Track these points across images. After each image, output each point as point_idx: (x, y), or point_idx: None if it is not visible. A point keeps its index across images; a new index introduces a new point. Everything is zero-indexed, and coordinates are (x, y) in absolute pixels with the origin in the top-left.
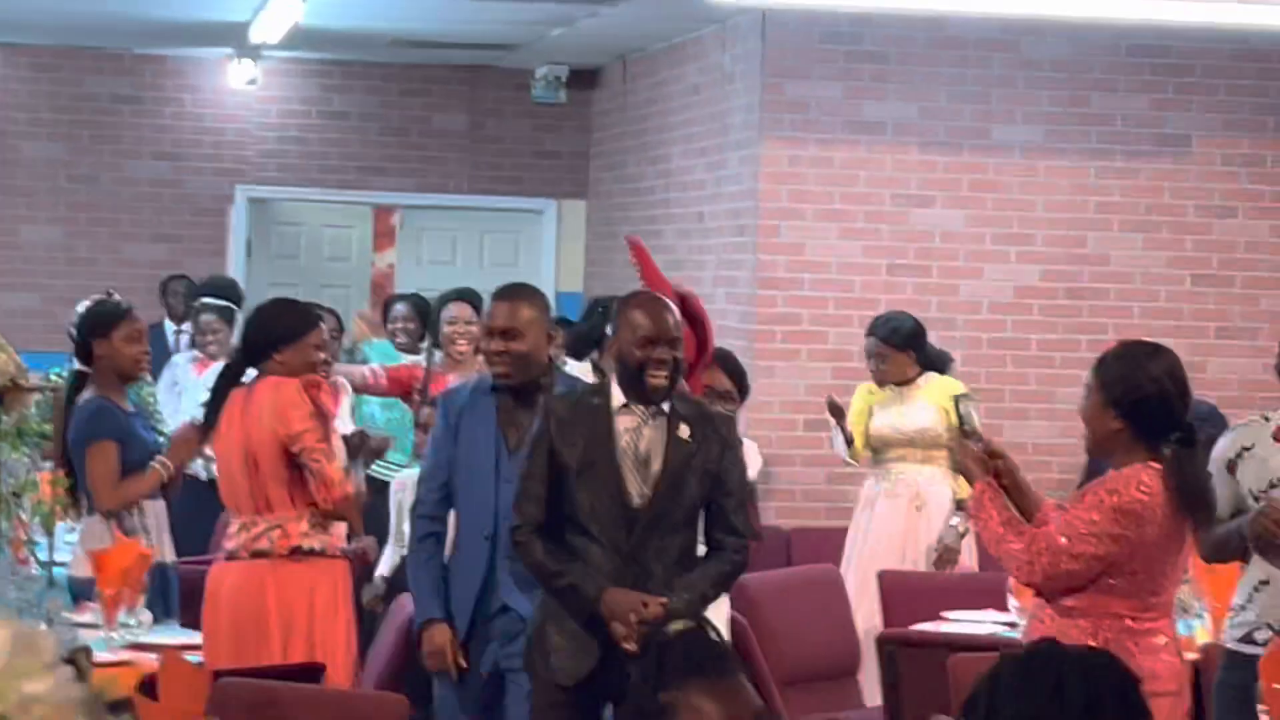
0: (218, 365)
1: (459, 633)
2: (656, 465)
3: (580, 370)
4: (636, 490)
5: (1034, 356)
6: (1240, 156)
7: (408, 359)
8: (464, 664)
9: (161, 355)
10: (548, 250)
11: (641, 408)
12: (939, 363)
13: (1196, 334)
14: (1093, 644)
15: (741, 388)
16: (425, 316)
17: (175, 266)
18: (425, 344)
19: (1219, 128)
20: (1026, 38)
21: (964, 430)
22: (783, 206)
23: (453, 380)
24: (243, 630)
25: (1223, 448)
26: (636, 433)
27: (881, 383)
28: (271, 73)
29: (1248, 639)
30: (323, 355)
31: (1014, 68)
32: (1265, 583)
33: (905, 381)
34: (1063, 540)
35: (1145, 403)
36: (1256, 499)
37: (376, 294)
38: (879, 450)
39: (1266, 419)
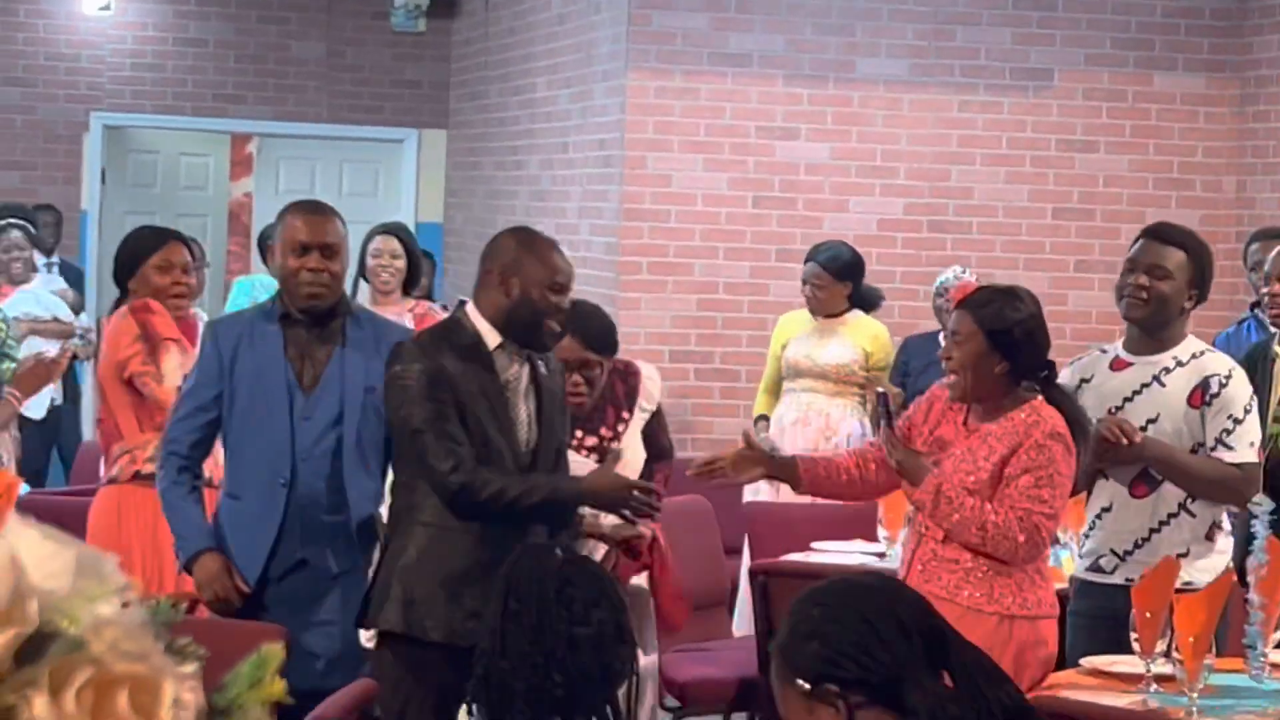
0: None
1: (245, 584)
2: (531, 407)
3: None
4: (524, 433)
5: (898, 289)
6: (1101, 91)
7: None
8: (247, 588)
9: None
10: (408, 180)
11: (515, 349)
12: (870, 298)
13: (1057, 267)
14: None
15: (605, 345)
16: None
17: (29, 195)
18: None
19: (1081, 62)
20: None
21: (889, 424)
22: (649, 138)
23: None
24: None
25: (1064, 380)
26: (516, 375)
27: (815, 312)
28: None
29: (1094, 567)
30: (171, 279)
31: (879, 1)
32: (1107, 509)
33: (833, 315)
34: (1036, 500)
35: (1026, 341)
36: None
37: (233, 224)
38: (789, 378)
39: (1104, 351)
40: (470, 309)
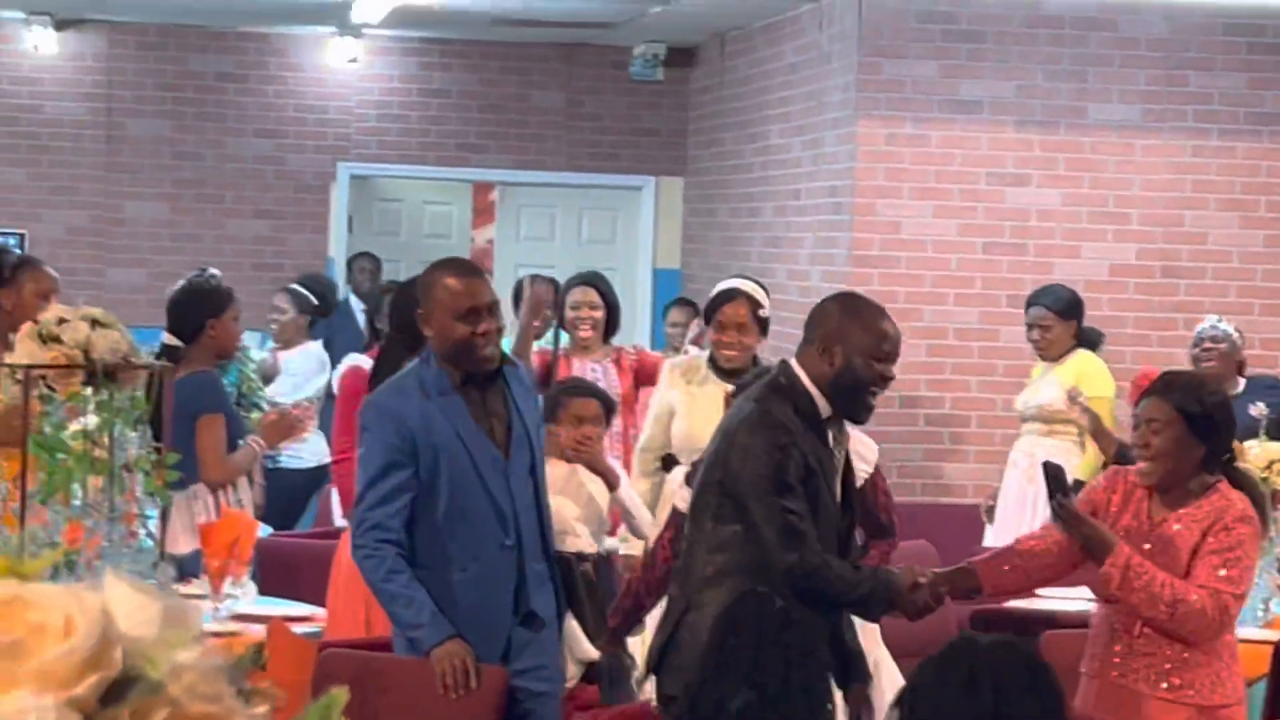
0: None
1: (494, 653)
2: (838, 486)
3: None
4: (835, 512)
5: (1130, 335)
6: None
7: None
8: (477, 684)
9: (352, 331)
10: (645, 227)
11: (839, 424)
12: (1093, 337)
13: None
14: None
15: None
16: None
17: (279, 243)
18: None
19: None
20: (1123, 16)
21: (1063, 494)
22: (879, 184)
23: (578, 366)
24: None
25: None
26: (839, 452)
27: (1044, 355)
28: (373, 51)
29: None
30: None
31: (1110, 46)
32: None
33: (1061, 356)
34: (1225, 580)
35: (1224, 425)
36: None
37: None
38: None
39: None
40: (799, 371)
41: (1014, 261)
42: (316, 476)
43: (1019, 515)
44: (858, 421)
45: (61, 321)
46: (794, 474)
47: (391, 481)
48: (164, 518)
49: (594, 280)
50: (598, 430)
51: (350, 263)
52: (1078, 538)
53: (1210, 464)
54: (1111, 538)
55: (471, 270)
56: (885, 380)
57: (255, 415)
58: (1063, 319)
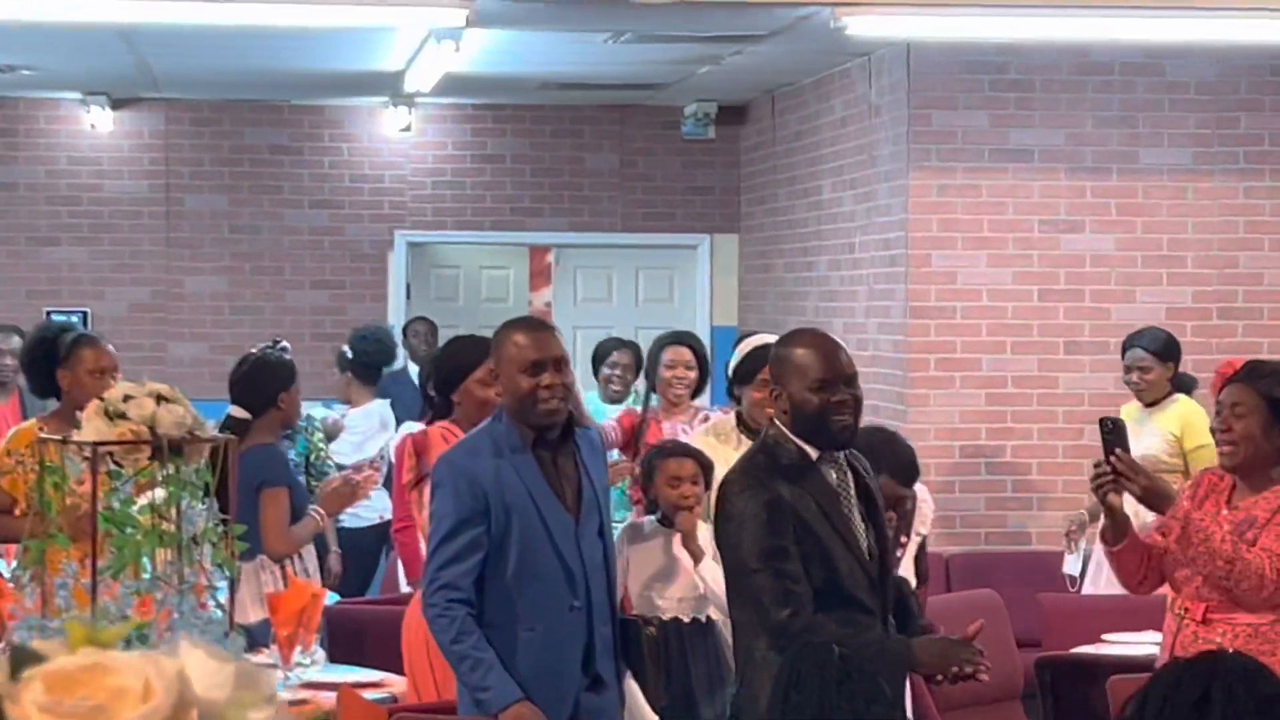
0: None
1: (563, 716)
2: (861, 512)
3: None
4: (864, 541)
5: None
6: None
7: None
8: None
9: (410, 397)
10: (702, 285)
11: (832, 457)
12: (1187, 383)
13: None
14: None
15: (912, 476)
16: (639, 362)
17: (338, 312)
18: (640, 389)
19: None
20: (1171, 61)
21: (1121, 447)
22: (932, 235)
23: (668, 427)
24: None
25: None
26: (844, 483)
27: (1143, 398)
28: (426, 119)
29: None
30: (495, 390)
31: (1159, 91)
32: None
33: (1159, 400)
34: None
35: None
36: None
37: None
38: None
39: None
40: (779, 423)
41: (1070, 308)
42: (382, 532)
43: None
44: (841, 448)
45: (127, 398)
46: (785, 532)
47: (463, 539)
48: (232, 588)
49: (689, 340)
50: (696, 490)
51: (405, 328)
52: (1136, 490)
53: None
54: (1173, 490)
55: (540, 326)
56: (841, 404)
57: (317, 484)
58: (1161, 361)
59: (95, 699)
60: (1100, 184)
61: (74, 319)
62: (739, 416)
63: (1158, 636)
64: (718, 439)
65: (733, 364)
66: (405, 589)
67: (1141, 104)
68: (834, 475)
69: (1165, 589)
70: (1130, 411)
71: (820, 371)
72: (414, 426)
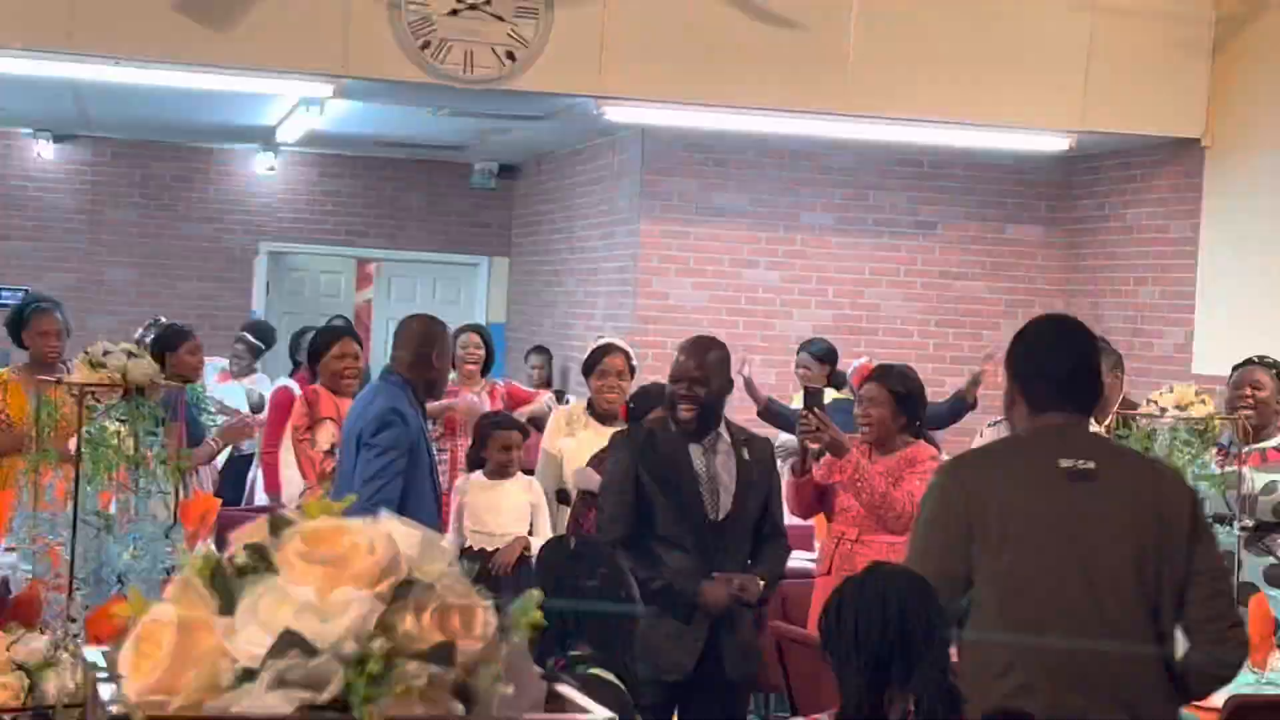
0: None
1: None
2: (730, 485)
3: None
4: (711, 506)
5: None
6: (970, 237)
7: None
8: None
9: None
10: (480, 293)
11: (706, 437)
12: (839, 380)
13: (935, 360)
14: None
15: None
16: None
17: (216, 300)
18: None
19: (959, 216)
20: (823, 149)
21: (818, 408)
22: (654, 265)
23: (467, 395)
24: None
25: None
26: (708, 462)
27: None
28: (287, 162)
29: None
30: (345, 365)
31: (815, 171)
32: None
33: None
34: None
35: (919, 403)
36: None
37: (358, 324)
38: None
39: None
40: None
41: (747, 321)
42: (249, 459)
43: None
44: (685, 428)
45: (106, 353)
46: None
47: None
48: (177, 494)
49: (478, 329)
50: (519, 454)
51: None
52: (825, 441)
53: (909, 429)
54: (849, 444)
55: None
56: (681, 396)
57: (205, 419)
58: (820, 363)
59: (337, 550)
60: (772, 235)
61: (20, 293)
62: (589, 402)
63: (807, 554)
64: (569, 421)
65: (583, 360)
66: (262, 499)
67: (802, 180)
68: (700, 450)
69: (816, 521)
70: (797, 399)
71: (673, 370)
72: (286, 380)
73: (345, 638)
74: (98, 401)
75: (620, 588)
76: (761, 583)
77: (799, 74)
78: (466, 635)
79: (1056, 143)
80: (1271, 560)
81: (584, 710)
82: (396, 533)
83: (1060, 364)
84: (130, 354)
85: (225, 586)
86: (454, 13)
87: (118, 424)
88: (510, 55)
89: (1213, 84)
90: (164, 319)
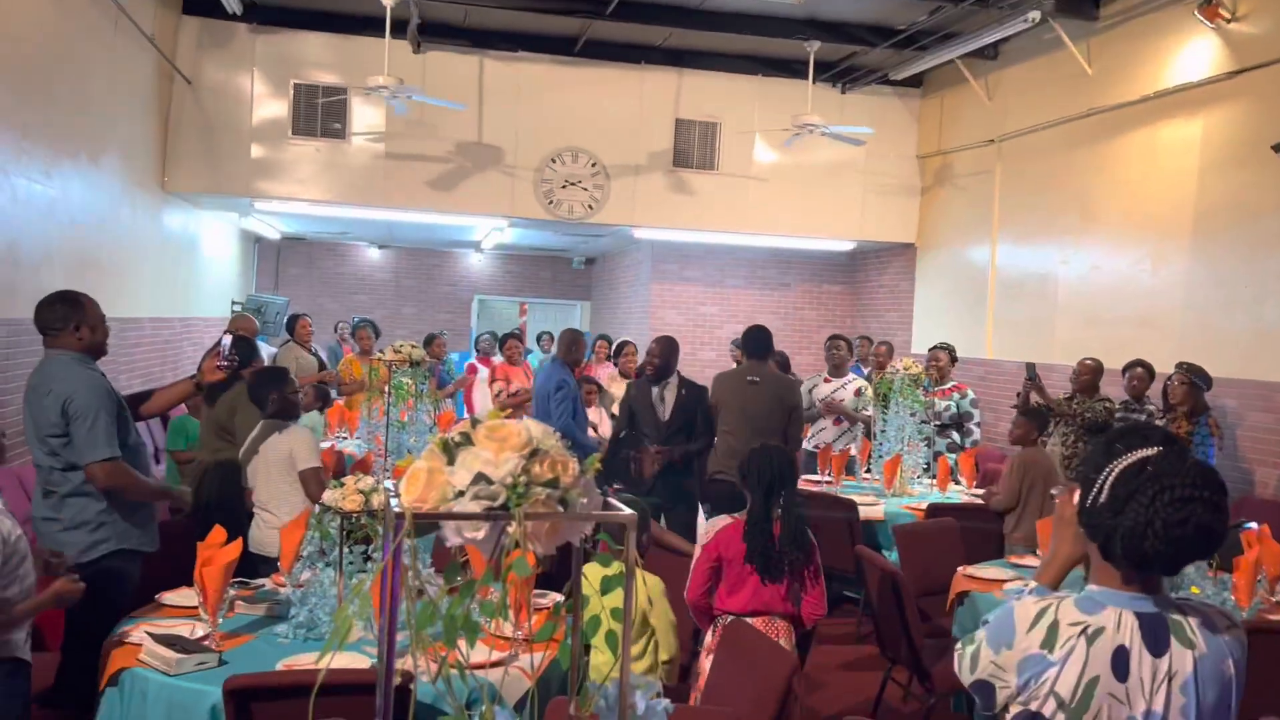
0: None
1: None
2: (671, 405)
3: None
4: (661, 414)
5: None
6: (808, 290)
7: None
8: None
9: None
10: (577, 318)
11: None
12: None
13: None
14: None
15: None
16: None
17: (453, 323)
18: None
19: (804, 279)
20: (736, 249)
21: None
22: (657, 306)
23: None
24: None
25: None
26: (660, 396)
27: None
28: (485, 256)
29: None
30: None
31: (733, 260)
32: None
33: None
34: None
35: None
36: None
37: (520, 331)
38: None
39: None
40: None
41: (701, 333)
42: None
43: None
44: (648, 375)
45: (400, 347)
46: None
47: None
48: (433, 411)
49: (603, 336)
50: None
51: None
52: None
53: None
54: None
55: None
56: (643, 365)
57: (445, 376)
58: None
59: (501, 434)
60: (715, 291)
61: (357, 318)
62: (617, 367)
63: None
64: (612, 378)
65: (615, 346)
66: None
67: (727, 264)
68: (656, 390)
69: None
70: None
71: (648, 352)
72: (470, 359)
73: (506, 476)
74: (397, 368)
75: (632, 463)
76: (677, 452)
77: (732, 212)
78: (564, 475)
79: (847, 245)
80: (948, 441)
81: (620, 509)
82: (533, 428)
83: (751, 334)
84: (413, 346)
85: (449, 451)
86: (565, 185)
87: (406, 379)
88: (589, 205)
89: (921, 211)
90: (432, 332)
